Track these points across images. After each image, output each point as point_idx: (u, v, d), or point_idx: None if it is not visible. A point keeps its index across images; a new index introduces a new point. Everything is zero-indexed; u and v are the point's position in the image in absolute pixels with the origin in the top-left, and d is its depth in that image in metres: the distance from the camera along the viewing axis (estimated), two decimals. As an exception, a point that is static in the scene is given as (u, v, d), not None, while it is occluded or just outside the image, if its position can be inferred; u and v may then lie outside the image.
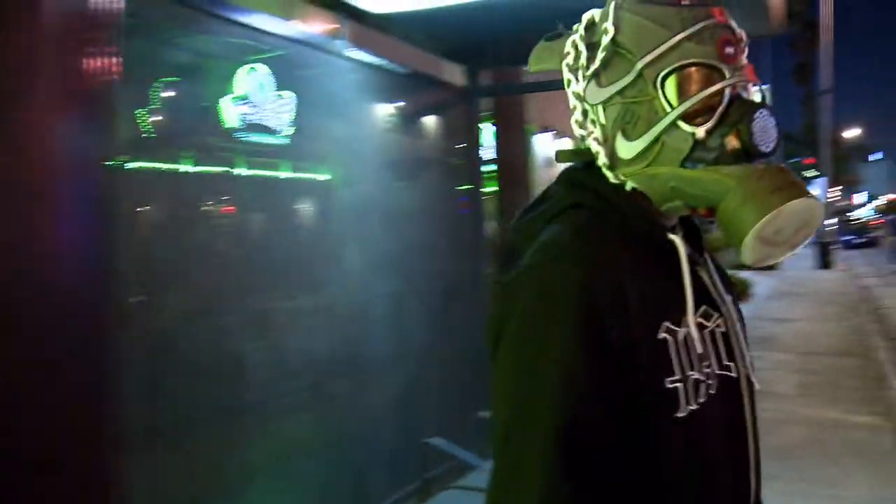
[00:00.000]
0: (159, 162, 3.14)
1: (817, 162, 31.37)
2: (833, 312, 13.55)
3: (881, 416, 6.76)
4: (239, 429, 3.18)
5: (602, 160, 1.15)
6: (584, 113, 1.18)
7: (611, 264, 1.06)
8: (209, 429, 3.06)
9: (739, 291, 10.00)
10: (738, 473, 1.16)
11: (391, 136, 4.25)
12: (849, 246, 36.48)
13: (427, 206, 4.56)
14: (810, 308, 14.07)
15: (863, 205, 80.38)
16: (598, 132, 1.15)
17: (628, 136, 1.12)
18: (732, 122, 1.06)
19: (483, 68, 4.94)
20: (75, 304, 1.98)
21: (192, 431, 3.00)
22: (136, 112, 2.95)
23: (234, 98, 3.26)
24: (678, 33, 1.07)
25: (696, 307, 1.11)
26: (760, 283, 17.25)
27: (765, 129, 1.06)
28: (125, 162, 2.83)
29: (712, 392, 1.09)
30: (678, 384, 1.05)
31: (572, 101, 1.18)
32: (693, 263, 1.15)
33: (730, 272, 1.37)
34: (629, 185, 1.13)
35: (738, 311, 1.24)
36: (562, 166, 1.28)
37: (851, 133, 67.70)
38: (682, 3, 1.10)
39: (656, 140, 1.09)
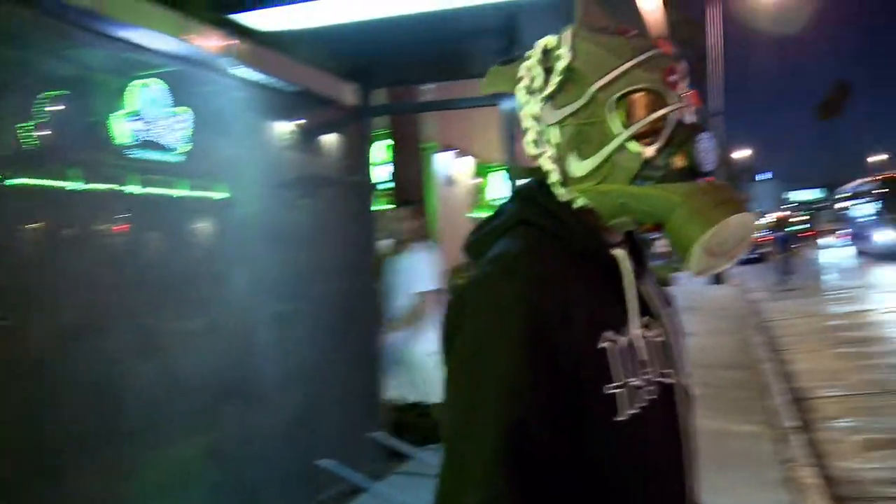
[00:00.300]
0: (44, 178, 3.02)
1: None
2: (724, 326, 14.06)
3: (763, 424, 7.05)
4: (122, 455, 3.08)
5: (554, 178, 1.22)
6: (539, 133, 1.24)
7: (557, 279, 1.13)
8: (89, 457, 2.95)
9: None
10: (677, 476, 1.23)
11: (284, 154, 4.21)
12: (740, 262, 38.09)
13: (320, 225, 4.53)
14: (704, 322, 14.55)
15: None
16: (551, 151, 1.23)
17: (581, 155, 1.20)
18: (678, 143, 1.15)
19: (376, 87, 4.96)
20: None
21: (71, 461, 2.88)
22: (17, 127, 2.84)
23: (125, 114, 3.17)
24: (628, 61, 1.16)
25: (639, 317, 1.19)
26: (656, 299, 17.73)
27: (707, 151, 1.16)
28: (4, 179, 2.73)
29: (653, 398, 1.17)
30: (619, 390, 1.12)
31: (527, 122, 1.25)
32: (636, 277, 1.23)
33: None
34: (579, 202, 1.21)
35: (678, 324, 1.33)
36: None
37: (742, 154, 70.94)
38: (631, 34, 1.20)
39: (607, 159, 1.17)
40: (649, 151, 1.15)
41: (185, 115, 3.40)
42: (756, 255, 34.81)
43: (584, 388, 1.10)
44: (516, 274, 1.12)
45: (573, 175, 1.21)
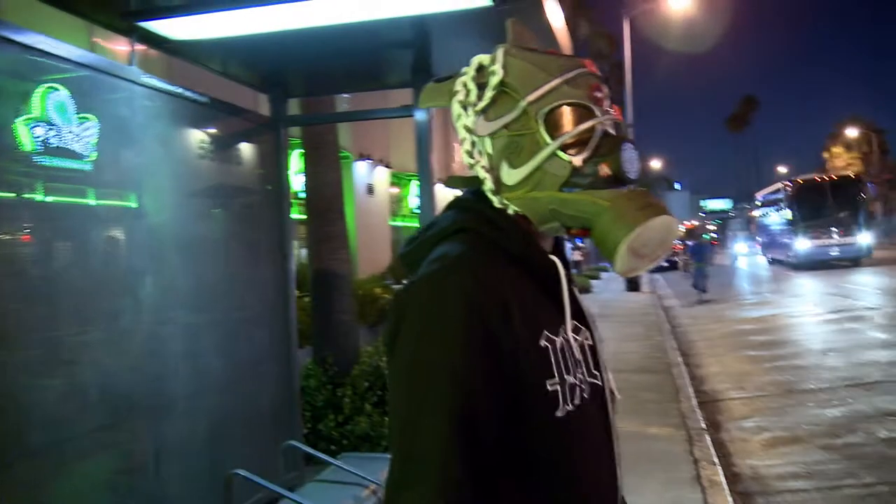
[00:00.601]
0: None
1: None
2: (638, 332, 14.43)
3: (674, 426, 7.29)
4: (26, 473, 2.99)
5: (488, 186, 1.29)
6: (473, 143, 1.31)
7: (497, 279, 1.18)
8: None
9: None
10: (610, 471, 1.30)
11: (196, 164, 4.16)
12: (654, 270, 39.12)
13: (233, 235, 4.49)
14: (619, 328, 14.91)
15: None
16: (485, 161, 1.30)
17: (513, 165, 1.27)
18: (605, 153, 1.23)
19: (289, 97, 4.95)
20: None
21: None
22: None
23: (29, 119, 3.09)
24: (557, 78, 1.24)
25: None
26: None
27: (631, 160, 1.24)
28: None
29: (586, 396, 1.24)
30: (557, 386, 1.18)
31: (462, 133, 1.31)
32: (567, 282, 1.30)
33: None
34: (511, 209, 1.28)
35: (598, 329, 1.40)
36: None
37: (657, 164, 72.98)
38: (559, 54, 1.30)
39: (539, 167, 1.24)
40: (578, 160, 1.23)
41: (92, 123, 3.33)
42: (668, 263, 35.84)
43: (526, 383, 1.16)
44: (458, 271, 1.17)
45: (506, 183, 1.28)
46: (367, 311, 11.77)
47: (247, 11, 3.40)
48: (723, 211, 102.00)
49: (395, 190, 21.47)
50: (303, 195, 7.36)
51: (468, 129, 1.30)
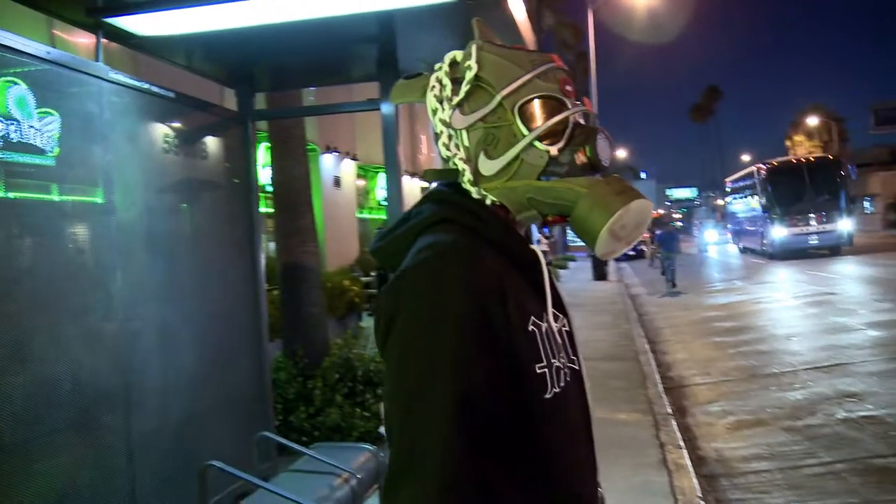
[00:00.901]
0: None
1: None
2: (606, 320, 14.57)
3: (642, 412, 7.41)
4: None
5: (466, 177, 1.33)
6: (450, 137, 1.35)
7: (491, 264, 1.22)
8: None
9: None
10: (589, 452, 1.35)
11: (164, 159, 4.16)
12: (621, 258, 39.21)
13: (201, 229, 4.50)
14: (587, 317, 15.04)
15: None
16: (462, 153, 1.34)
17: (490, 156, 1.31)
18: (580, 142, 1.30)
19: (256, 92, 4.96)
20: None
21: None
22: None
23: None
24: (530, 72, 1.30)
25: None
26: (543, 296, 18.16)
27: (604, 148, 1.31)
28: None
29: (569, 380, 1.30)
30: (545, 370, 1.23)
31: (439, 127, 1.35)
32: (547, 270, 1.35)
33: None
34: (489, 199, 1.32)
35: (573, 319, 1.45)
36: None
37: (622, 154, 73.63)
38: (529, 49, 1.35)
39: (516, 157, 1.29)
40: (554, 150, 1.29)
41: (54, 118, 3.32)
42: (635, 252, 35.90)
43: (519, 365, 1.20)
44: (453, 257, 1.19)
45: (483, 174, 1.32)
46: (336, 304, 11.79)
47: (213, 7, 3.42)
48: (688, 199, 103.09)
49: (362, 182, 21.43)
50: (270, 189, 7.36)
51: (445, 123, 1.34)
